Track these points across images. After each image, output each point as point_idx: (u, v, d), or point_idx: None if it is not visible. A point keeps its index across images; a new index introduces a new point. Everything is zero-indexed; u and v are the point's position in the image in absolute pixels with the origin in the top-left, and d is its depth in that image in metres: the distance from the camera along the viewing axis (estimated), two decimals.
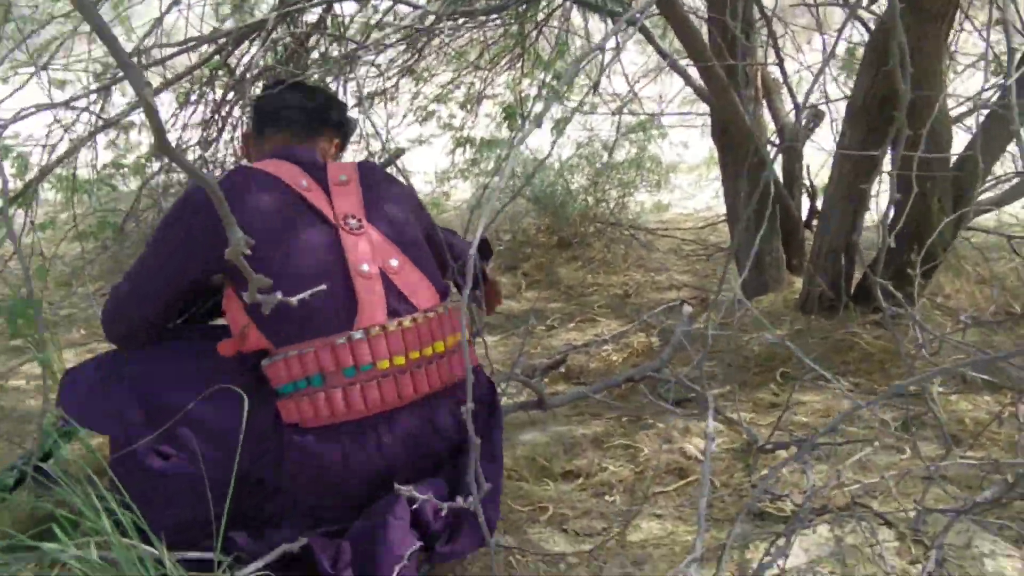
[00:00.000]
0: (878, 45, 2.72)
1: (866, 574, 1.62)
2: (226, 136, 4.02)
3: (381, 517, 1.63)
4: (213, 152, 3.93)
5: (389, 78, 4.16)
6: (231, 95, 3.78)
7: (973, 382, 2.44)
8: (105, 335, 1.88)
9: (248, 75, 3.65)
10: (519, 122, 4.55)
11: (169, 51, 3.24)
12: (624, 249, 4.28)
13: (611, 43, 3.74)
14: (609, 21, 3.55)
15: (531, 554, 1.80)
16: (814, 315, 2.93)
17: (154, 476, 1.68)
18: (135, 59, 3.34)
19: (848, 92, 3.03)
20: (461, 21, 3.31)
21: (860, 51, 3.33)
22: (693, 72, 3.33)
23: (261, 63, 3.57)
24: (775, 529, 1.77)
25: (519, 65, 4.63)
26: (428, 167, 5.36)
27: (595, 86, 2.37)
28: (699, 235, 4.64)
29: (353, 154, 4.14)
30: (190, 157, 4.07)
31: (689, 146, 5.49)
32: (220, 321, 1.96)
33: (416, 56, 4.13)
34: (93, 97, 3.27)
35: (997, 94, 2.52)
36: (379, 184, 1.88)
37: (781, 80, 3.70)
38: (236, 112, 3.93)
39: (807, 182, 3.75)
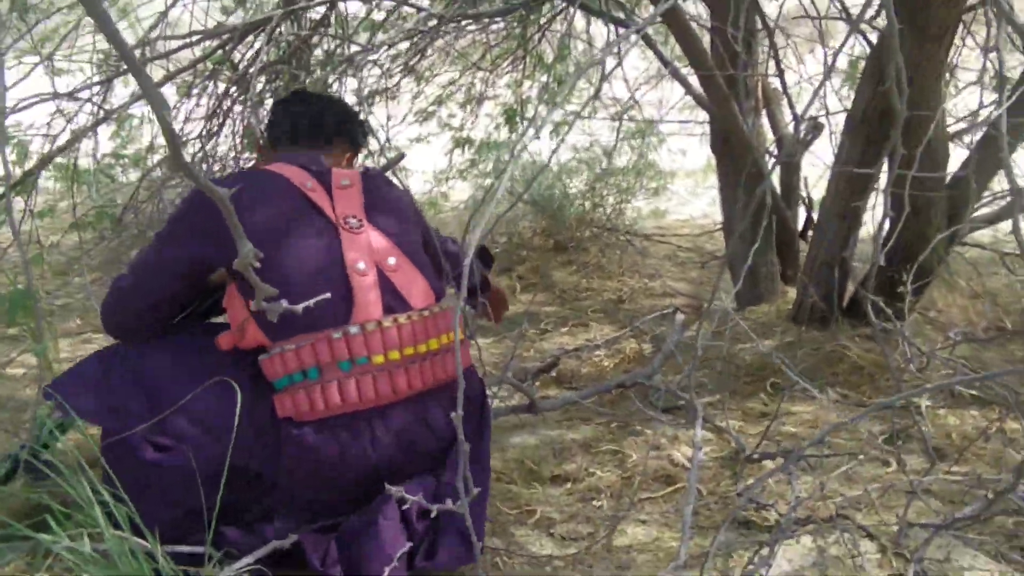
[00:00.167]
0: (879, 59, 2.74)
1: None
2: (227, 130, 4.04)
3: (372, 517, 1.65)
4: (214, 145, 3.95)
5: (391, 76, 4.17)
6: (233, 90, 3.80)
7: (961, 396, 2.46)
8: (104, 327, 1.90)
9: (251, 70, 3.67)
10: (519, 124, 4.58)
11: (174, 44, 3.26)
12: (619, 255, 4.30)
13: (608, 46, 3.77)
14: (611, 27, 3.56)
15: (518, 556, 1.82)
16: (806, 326, 2.95)
17: (147, 467, 1.69)
18: (139, 51, 3.35)
19: (848, 105, 3.05)
20: (465, 23, 3.32)
21: (861, 64, 3.36)
22: (694, 80, 3.34)
23: (264, 59, 3.59)
24: (759, 538, 1.79)
25: (521, 67, 4.65)
26: (427, 166, 5.37)
27: (596, 93, 2.38)
28: (695, 242, 4.66)
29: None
30: (191, 149, 4.10)
31: (687, 153, 5.50)
32: (219, 319, 1.99)
33: (419, 57, 4.15)
34: (96, 88, 3.29)
35: (995, 113, 2.54)
36: (380, 188, 1.92)
37: (781, 91, 3.72)
38: (237, 108, 3.95)
39: (804, 194, 3.77)
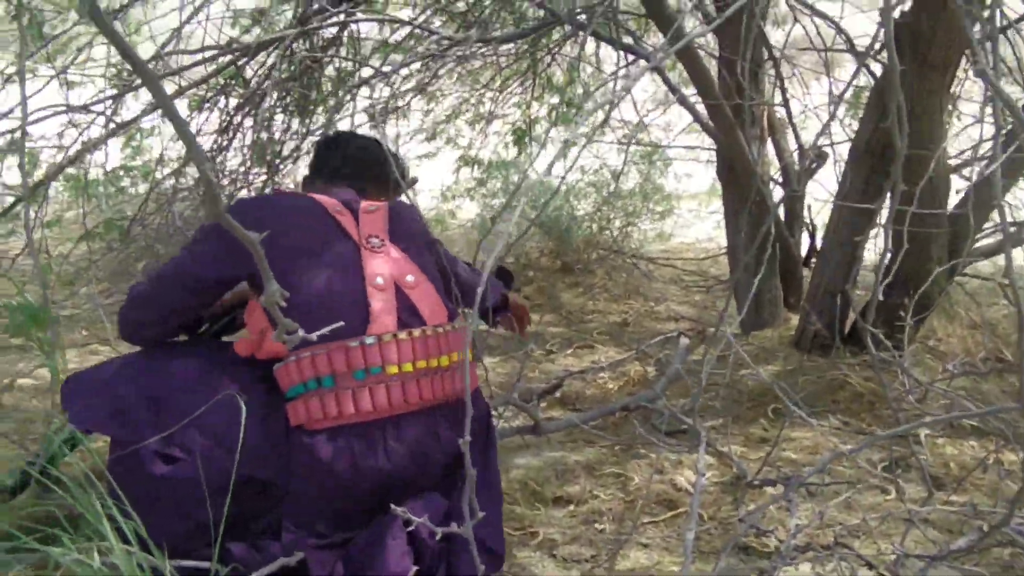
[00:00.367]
0: (882, 91, 2.77)
1: None
2: (236, 144, 4.08)
3: (379, 536, 1.68)
4: (223, 160, 3.99)
5: (401, 96, 4.21)
6: (245, 106, 3.84)
7: (960, 427, 2.48)
8: (119, 330, 1.94)
9: (264, 86, 3.71)
10: (528, 145, 4.62)
11: (187, 60, 3.30)
12: (625, 277, 4.33)
13: (621, 71, 3.81)
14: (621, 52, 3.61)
15: None
16: (808, 353, 2.98)
17: (156, 480, 1.71)
18: (152, 65, 3.40)
19: (852, 134, 3.09)
20: (477, 47, 3.36)
21: (865, 94, 3.40)
22: (701, 107, 3.38)
23: (277, 76, 3.63)
24: (759, 564, 1.81)
25: (530, 86, 4.69)
26: (434, 183, 5.40)
27: (605, 120, 2.41)
28: (699, 266, 4.69)
29: None
30: None
31: (692, 175, 5.54)
32: (231, 338, 2.03)
33: (431, 78, 4.19)
34: (108, 101, 3.32)
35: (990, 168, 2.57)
36: (403, 215, 2.00)
37: (787, 120, 3.76)
38: (247, 123, 3.99)
39: (808, 221, 3.81)
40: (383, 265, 1.84)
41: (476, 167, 5.02)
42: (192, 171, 4.17)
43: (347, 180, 2.04)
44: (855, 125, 3.36)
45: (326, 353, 1.73)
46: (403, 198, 2.14)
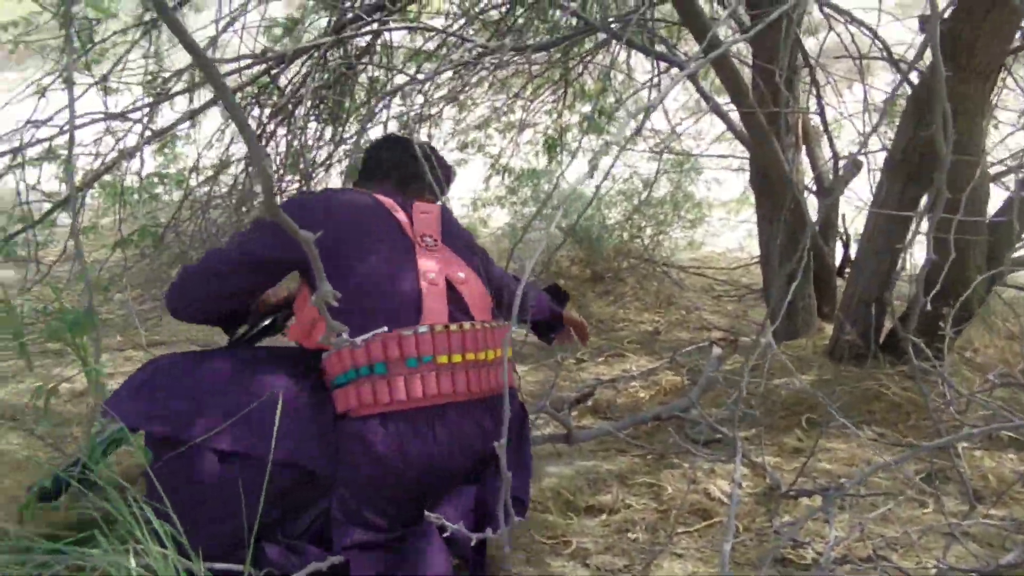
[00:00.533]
0: (919, 98, 2.74)
1: None
2: (270, 151, 4.11)
3: (421, 543, 1.70)
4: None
5: (434, 103, 4.23)
6: (279, 114, 3.88)
7: (998, 439, 2.44)
8: (167, 303, 1.99)
9: (299, 93, 3.74)
10: (559, 153, 4.61)
11: (224, 68, 3.33)
12: (656, 286, 4.31)
13: (654, 80, 3.80)
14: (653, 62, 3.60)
15: None
16: (842, 363, 2.95)
17: (206, 477, 1.72)
18: (189, 74, 3.43)
19: (887, 142, 3.06)
20: (510, 55, 3.37)
21: (900, 102, 3.36)
22: (734, 115, 3.36)
23: (310, 84, 3.66)
24: None
25: (562, 94, 4.69)
26: (464, 192, 5.41)
27: (638, 129, 2.41)
28: (731, 276, 4.66)
29: None
30: (233, 171, 4.17)
31: (722, 182, 5.50)
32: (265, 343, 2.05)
33: (463, 86, 4.20)
34: (145, 109, 3.36)
35: None
36: (454, 221, 2.09)
37: (821, 128, 3.73)
38: (281, 131, 4.02)
39: (842, 230, 3.77)
40: (436, 263, 1.93)
41: (507, 175, 5.03)
42: (225, 179, 4.22)
43: (397, 181, 2.13)
44: (889, 133, 3.33)
45: (380, 341, 1.78)
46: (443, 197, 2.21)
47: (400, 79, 3.56)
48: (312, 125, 4.11)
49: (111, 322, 3.98)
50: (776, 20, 2.21)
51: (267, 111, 3.91)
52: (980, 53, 2.43)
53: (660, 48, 3.67)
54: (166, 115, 3.58)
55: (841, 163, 3.55)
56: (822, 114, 3.66)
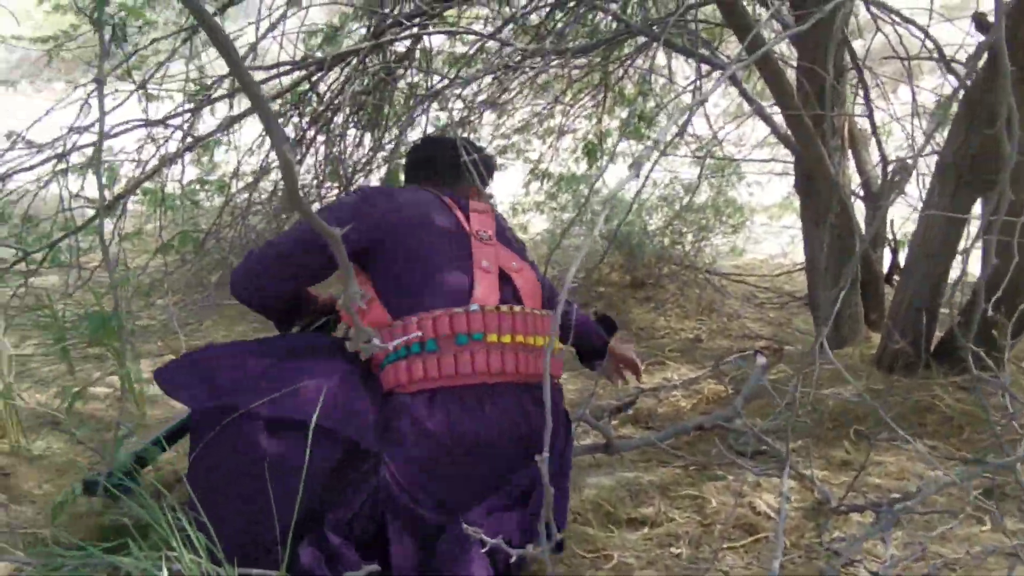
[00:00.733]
0: (972, 100, 2.66)
1: None
2: (309, 160, 4.11)
3: (463, 549, 1.67)
4: (297, 173, 4.00)
5: (474, 108, 4.21)
6: (318, 120, 3.87)
7: None
8: (231, 286, 2.02)
9: (338, 100, 3.74)
10: (599, 158, 4.57)
11: (262, 75, 3.33)
12: (698, 293, 4.24)
13: (694, 84, 3.74)
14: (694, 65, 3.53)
15: None
16: (891, 372, 2.86)
17: (247, 455, 1.68)
18: (228, 82, 3.43)
19: (935, 146, 2.96)
20: (551, 59, 3.33)
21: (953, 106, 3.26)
22: (778, 118, 3.29)
23: (350, 90, 3.66)
24: None
25: (602, 98, 4.65)
26: (504, 197, 5.38)
27: (680, 132, 2.37)
28: (773, 282, 4.57)
29: None
30: (274, 177, 4.18)
31: (764, 187, 5.41)
32: None
33: (503, 91, 4.18)
34: (186, 115, 3.38)
35: None
36: (504, 223, 2.15)
37: (870, 131, 3.63)
38: (320, 137, 4.02)
39: (890, 236, 3.68)
40: (491, 253, 2.00)
41: (546, 181, 5.00)
42: (266, 185, 4.23)
43: (444, 177, 2.20)
44: (938, 137, 3.23)
45: (432, 318, 1.82)
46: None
47: (442, 82, 3.53)
48: (351, 131, 4.12)
49: (151, 328, 3.99)
50: (822, 20, 2.15)
51: (306, 119, 3.92)
52: None
53: (702, 51, 3.60)
54: (208, 121, 3.60)
55: (890, 167, 3.45)
56: (871, 117, 3.56)
